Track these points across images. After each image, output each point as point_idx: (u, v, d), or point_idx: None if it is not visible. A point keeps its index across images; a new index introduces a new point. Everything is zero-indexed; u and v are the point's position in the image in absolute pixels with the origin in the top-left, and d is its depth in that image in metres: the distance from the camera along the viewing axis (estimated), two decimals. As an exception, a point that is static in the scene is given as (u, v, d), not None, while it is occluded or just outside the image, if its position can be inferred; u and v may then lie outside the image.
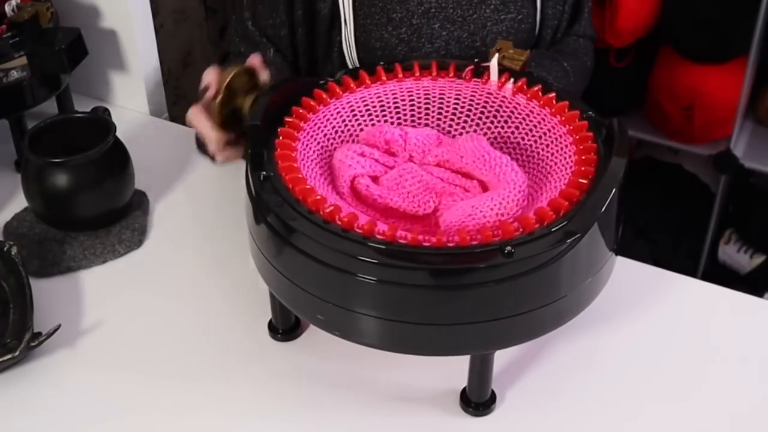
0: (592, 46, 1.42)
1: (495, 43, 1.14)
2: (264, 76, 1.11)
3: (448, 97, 1.13)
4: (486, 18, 1.28)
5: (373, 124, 1.12)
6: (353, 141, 1.11)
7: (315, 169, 1.05)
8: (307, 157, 1.04)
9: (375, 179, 1.04)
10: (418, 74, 1.13)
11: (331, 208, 0.92)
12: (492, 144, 1.13)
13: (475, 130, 1.13)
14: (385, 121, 1.13)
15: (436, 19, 1.27)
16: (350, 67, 1.30)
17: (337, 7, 1.28)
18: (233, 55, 1.37)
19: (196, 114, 1.09)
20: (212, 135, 1.08)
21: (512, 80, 1.10)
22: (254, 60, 1.12)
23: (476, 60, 1.12)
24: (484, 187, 1.03)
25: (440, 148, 1.08)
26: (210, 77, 1.09)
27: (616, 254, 1.00)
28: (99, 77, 1.54)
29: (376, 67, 1.13)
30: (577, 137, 1.02)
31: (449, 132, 1.14)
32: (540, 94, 1.08)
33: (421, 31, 1.27)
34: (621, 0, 2.15)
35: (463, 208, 0.98)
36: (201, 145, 1.15)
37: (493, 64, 1.10)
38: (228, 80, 1.05)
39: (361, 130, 1.12)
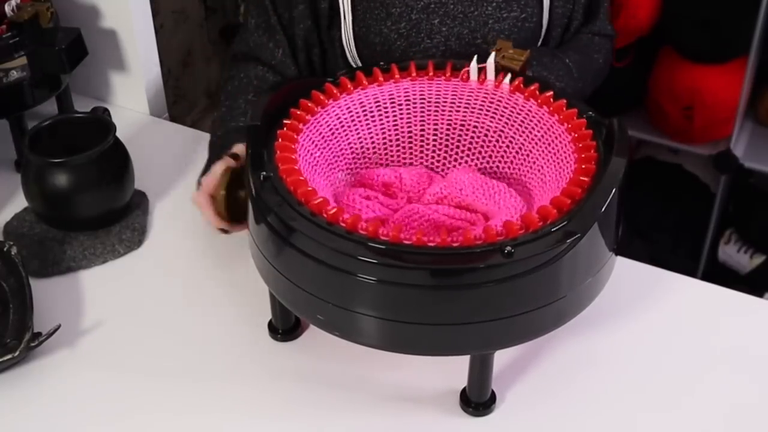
0: (608, 45, 1.40)
1: (496, 41, 1.14)
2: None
3: (445, 98, 1.13)
4: (488, 15, 1.27)
5: (374, 124, 1.13)
6: (355, 143, 1.12)
7: (315, 170, 1.05)
8: (307, 158, 1.04)
9: (383, 222, 1.05)
10: (414, 74, 1.13)
11: (333, 209, 0.92)
12: (491, 143, 1.13)
13: (474, 131, 1.13)
14: (386, 120, 1.13)
15: (435, 14, 1.27)
16: (350, 61, 1.30)
17: (337, 3, 1.28)
18: (240, 57, 1.35)
19: (201, 202, 1.14)
20: (216, 224, 1.15)
21: (508, 79, 1.10)
22: (232, 160, 1.14)
23: (477, 55, 1.12)
24: (486, 218, 1.05)
25: (434, 185, 1.09)
26: (204, 204, 1.15)
27: (616, 254, 1.00)
28: (99, 77, 1.54)
29: (373, 68, 1.13)
30: (577, 137, 1.02)
31: (448, 133, 1.15)
32: (539, 94, 1.08)
33: (420, 26, 1.27)
34: (622, 0, 2.15)
35: None
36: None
37: (490, 62, 1.10)
38: (226, 182, 1.11)
39: (362, 129, 1.12)
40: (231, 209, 1.12)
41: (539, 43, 1.34)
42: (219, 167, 1.13)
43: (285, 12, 1.31)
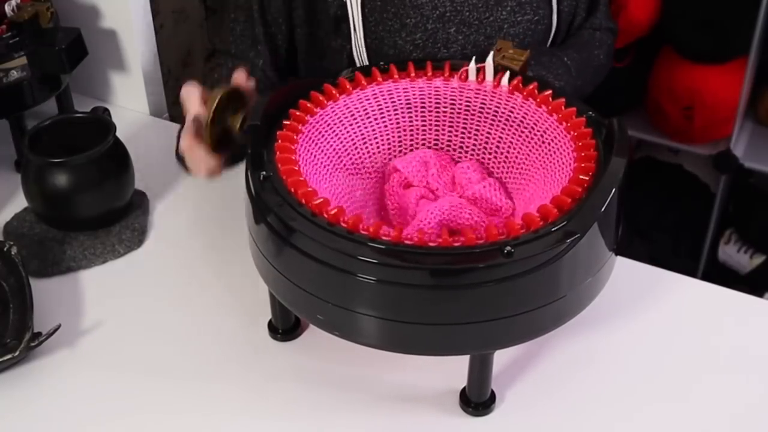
0: (610, 39, 1.39)
1: (497, 41, 1.13)
2: (250, 93, 1.08)
3: (444, 98, 1.13)
4: (503, 20, 1.25)
5: (373, 123, 1.13)
6: (355, 143, 1.12)
7: (315, 169, 1.05)
8: (308, 157, 1.04)
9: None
10: (413, 75, 1.13)
11: (334, 210, 0.92)
12: (491, 143, 1.13)
13: (473, 132, 1.13)
14: (386, 120, 1.13)
15: (451, 23, 1.24)
16: None
17: (345, 15, 1.25)
18: (222, 53, 1.34)
19: (190, 143, 1.06)
20: (208, 163, 1.06)
21: (507, 79, 1.10)
22: (239, 78, 1.07)
23: (475, 56, 1.12)
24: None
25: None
26: (193, 99, 1.07)
27: (616, 254, 1.00)
28: (99, 77, 1.54)
29: (372, 68, 1.13)
30: (577, 137, 1.02)
31: (449, 132, 1.15)
32: (538, 93, 1.08)
33: (436, 36, 1.25)
34: (622, 0, 2.15)
35: None
36: (180, 157, 1.14)
37: (489, 62, 1.10)
38: (216, 102, 1.02)
39: (363, 129, 1.12)
40: (218, 142, 1.04)
41: (549, 43, 1.33)
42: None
43: (278, 17, 1.30)
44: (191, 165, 1.09)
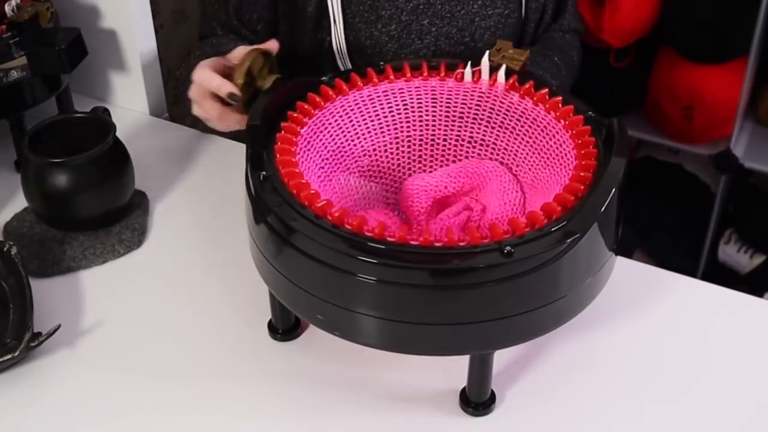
0: (578, 41, 1.43)
1: (483, 39, 1.15)
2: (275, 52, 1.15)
3: (441, 97, 1.13)
4: (474, 13, 1.29)
5: (373, 124, 1.13)
6: (354, 143, 1.12)
7: (315, 169, 1.05)
8: (307, 157, 1.04)
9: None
10: (409, 75, 1.13)
11: (332, 208, 0.92)
12: (489, 145, 1.13)
13: (473, 131, 1.13)
14: (384, 120, 1.13)
15: (425, 15, 1.28)
16: (341, 66, 1.30)
17: (325, 6, 1.28)
18: (207, 38, 1.37)
19: (220, 114, 1.14)
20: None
21: (503, 77, 1.10)
22: (272, 44, 1.15)
23: (473, 57, 1.13)
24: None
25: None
26: (211, 77, 1.12)
27: (616, 254, 1.00)
28: (99, 77, 1.54)
29: (367, 69, 1.13)
30: (577, 137, 1.02)
31: (446, 133, 1.15)
32: (539, 94, 1.08)
33: (410, 27, 1.28)
34: (620, 0, 2.15)
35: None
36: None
37: (485, 62, 1.10)
38: (248, 64, 1.09)
39: (360, 129, 1.12)
40: (249, 103, 1.10)
41: (519, 40, 1.35)
42: (241, 50, 1.14)
43: (254, 14, 1.33)
44: (220, 126, 1.16)
